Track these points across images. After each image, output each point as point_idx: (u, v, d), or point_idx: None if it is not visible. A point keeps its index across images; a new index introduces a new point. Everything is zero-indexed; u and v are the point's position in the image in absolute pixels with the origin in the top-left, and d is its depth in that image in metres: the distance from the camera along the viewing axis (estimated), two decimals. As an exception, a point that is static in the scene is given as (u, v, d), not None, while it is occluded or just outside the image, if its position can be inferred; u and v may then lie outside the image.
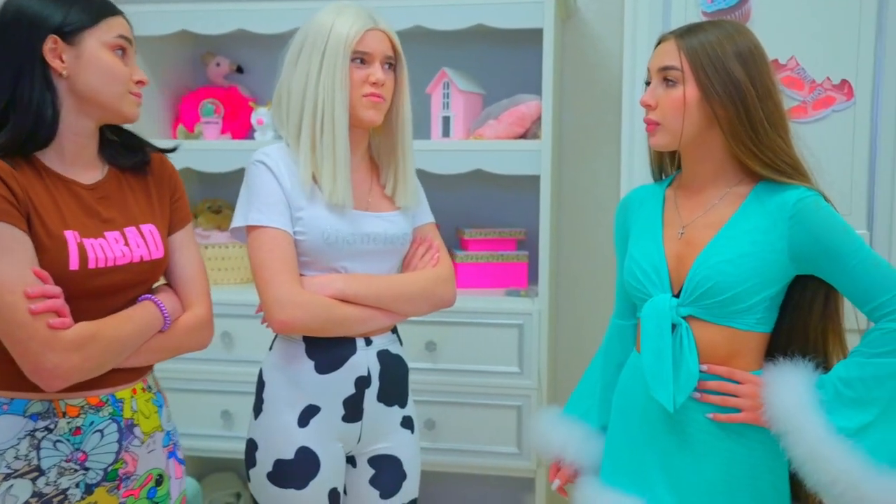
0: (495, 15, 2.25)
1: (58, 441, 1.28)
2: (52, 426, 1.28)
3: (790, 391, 1.34)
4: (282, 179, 1.47)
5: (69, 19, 1.27)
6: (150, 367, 1.44)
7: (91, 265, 1.28)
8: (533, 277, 2.54)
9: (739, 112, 1.35)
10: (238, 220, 1.49)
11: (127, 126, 1.42)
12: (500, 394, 2.27)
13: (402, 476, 1.59)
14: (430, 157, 2.27)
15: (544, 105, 2.25)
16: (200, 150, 2.43)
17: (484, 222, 2.57)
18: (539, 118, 2.30)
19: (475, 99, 2.44)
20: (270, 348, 1.59)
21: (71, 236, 1.27)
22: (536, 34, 2.31)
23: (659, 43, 1.45)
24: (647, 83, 1.45)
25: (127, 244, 1.34)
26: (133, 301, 1.36)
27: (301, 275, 1.48)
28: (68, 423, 1.29)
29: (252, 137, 2.54)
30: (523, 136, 2.34)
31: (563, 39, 2.58)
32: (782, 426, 1.33)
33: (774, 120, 1.37)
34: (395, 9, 2.21)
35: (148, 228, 1.39)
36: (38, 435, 1.28)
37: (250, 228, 1.47)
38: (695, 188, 1.46)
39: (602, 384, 1.62)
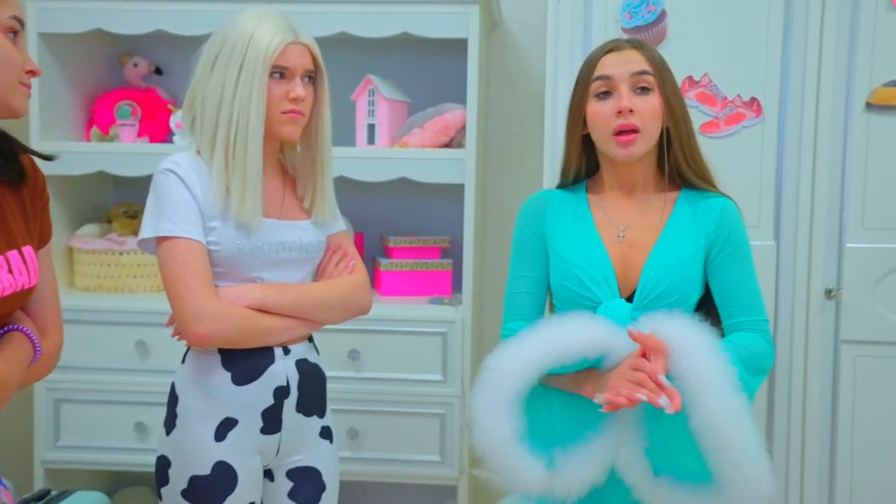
0: (421, 24, 2.26)
1: None
2: None
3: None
4: (193, 189, 1.42)
5: None
6: None
7: None
8: (457, 285, 2.56)
9: (682, 123, 1.46)
10: (147, 231, 1.43)
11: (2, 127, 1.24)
12: (424, 402, 2.27)
13: (322, 488, 1.56)
14: (355, 165, 2.26)
15: (469, 114, 2.27)
16: (116, 154, 2.35)
17: (408, 230, 2.57)
18: (464, 127, 2.32)
19: (400, 107, 2.45)
20: (183, 361, 1.53)
21: None
22: (462, 44, 2.33)
23: (609, 51, 1.46)
24: (604, 93, 1.44)
25: (10, 272, 1.17)
26: None
27: (215, 286, 1.44)
28: None
29: (171, 141, 2.48)
30: (448, 145, 2.36)
31: (488, 50, 2.61)
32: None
33: (693, 132, 1.49)
34: (320, 15, 2.20)
35: (28, 252, 1.22)
36: None
37: (161, 239, 1.41)
38: (624, 192, 1.50)
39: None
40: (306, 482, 1.54)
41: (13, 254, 1.19)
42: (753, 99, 2.01)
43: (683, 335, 1.30)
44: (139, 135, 2.48)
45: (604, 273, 1.45)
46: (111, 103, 2.56)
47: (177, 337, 1.48)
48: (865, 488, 2.03)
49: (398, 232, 2.54)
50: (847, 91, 1.99)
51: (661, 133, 1.46)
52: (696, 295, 1.45)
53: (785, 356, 2.03)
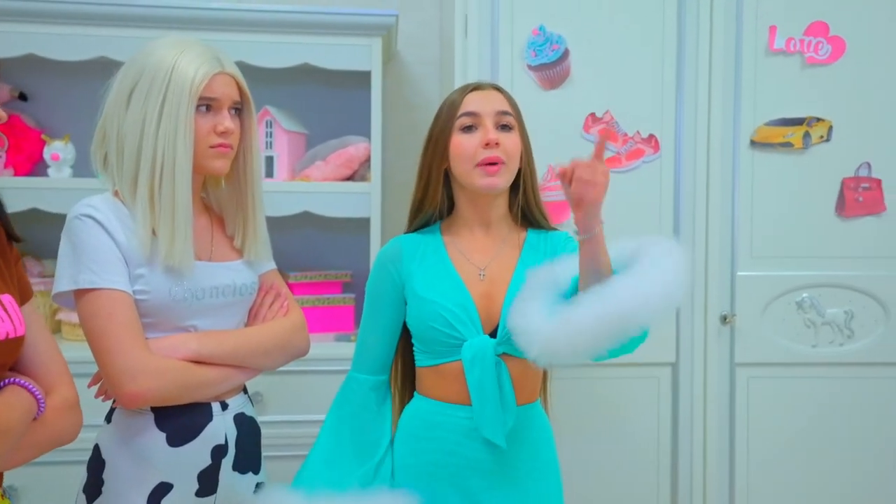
0: (322, 55, 2.22)
1: None
2: None
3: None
4: (115, 234, 1.30)
5: None
6: None
7: None
8: (359, 321, 2.50)
9: (532, 165, 1.57)
10: (64, 284, 1.30)
11: None
12: (332, 443, 2.19)
13: None
14: (256, 199, 2.16)
15: (373, 147, 2.24)
16: (-20, 188, 2.12)
17: (308, 265, 2.49)
18: (367, 160, 2.29)
19: (299, 139, 2.38)
20: (108, 420, 1.39)
21: None
22: (361, 76, 2.30)
23: (473, 90, 1.54)
24: (469, 127, 1.50)
25: None
26: None
27: (146, 339, 1.31)
28: None
29: (43, 173, 2.27)
30: (351, 178, 2.31)
31: (385, 82, 2.59)
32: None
33: (537, 176, 1.61)
34: (218, 43, 2.07)
35: (7, 300, 1.12)
36: None
37: (81, 292, 1.29)
38: (482, 229, 1.56)
39: (360, 446, 1.55)
40: None
41: None
42: (651, 136, 2.10)
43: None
44: (5, 165, 2.26)
45: (467, 311, 1.48)
46: (-30, 131, 2.31)
47: (102, 398, 1.35)
48: (763, 499, 2.16)
49: (298, 267, 2.45)
50: (734, 129, 2.13)
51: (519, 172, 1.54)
52: None
53: (686, 379, 2.13)
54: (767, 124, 2.13)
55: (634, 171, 2.11)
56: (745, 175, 2.13)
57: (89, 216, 1.30)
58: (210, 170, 1.38)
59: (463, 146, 1.50)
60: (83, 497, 1.35)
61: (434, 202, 1.57)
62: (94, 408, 1.41)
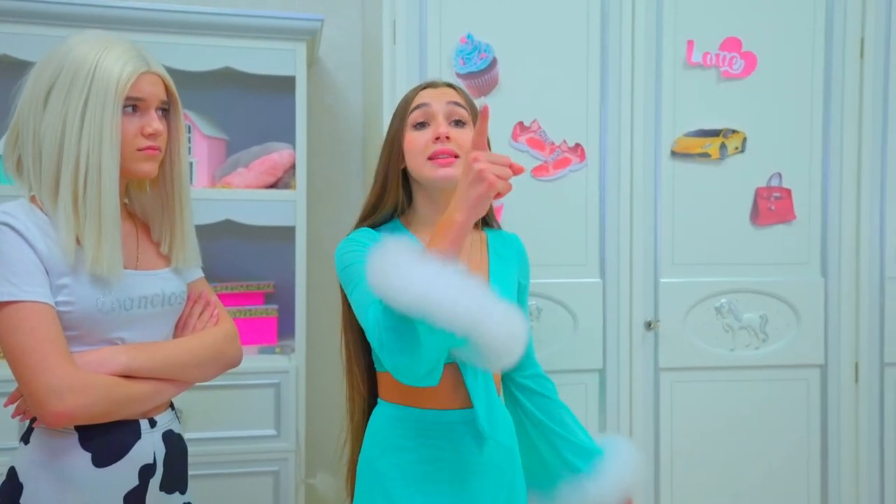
0: (245, 59, 2.15)
1: None
2: None
3: None
4: (35, 243, 1.23)
5: None
6: None
7: None
8: (283, 332, 2.44)
9: None
10: None
11: None
12: (256, 460, 2.12)
13: None
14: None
15: (298, 154, 2.19)
16: None
17: (229, 275, 2.41)
18: (291, 167, 2.23)
19: (219, 144, 2.30)
20: (26, 441, 1.30)
21: None
22: (283, 81, 2.25)
23: (426, 87, 1.54)
24: (421, 123, 1.48)
25: None
26: None
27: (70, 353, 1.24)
28: None
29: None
30: (274, 186, 2.25)
31: (308, 87, 2.54)
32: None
33: None
34: (137, 44, 1.99)
35: None
36: None
37: (0, 305, 1.21)
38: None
39: None
40: None
41: None
42: (578, 145, 2.14)
43: None
44: None
45: None
46: None
47: (20, 417, 1.26)
48: (686, 496, 2.21)
49: (219, 277, 2.36)
50: (655, 140, 2.18)
51: None
52: None
53: (613, 384, 2.16)
54: (686, 135, 2.20)
55: (561, 180, 2.13)
56: (666, 184, 2.19)
57: (7, 224, 1.22)
58: (138, 173, 1.33)
59: (414, 141, 1.48)
60: None
61: (393, 202, 1.53)
62: (7, 429, 1.32)
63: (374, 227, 1.54)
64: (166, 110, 1.38)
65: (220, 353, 1.42)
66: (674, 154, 2.19)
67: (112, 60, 1.27)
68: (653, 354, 2.19)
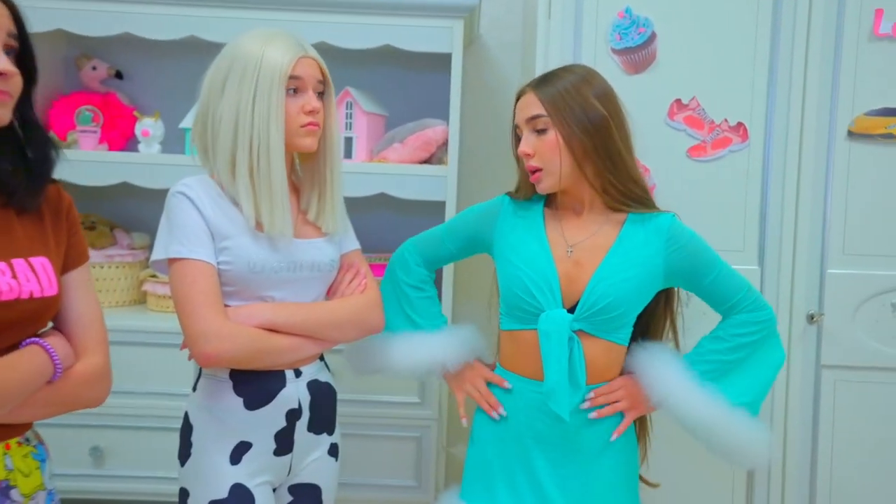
0: (404, 37, 2.21)
1: None
2: None
3: (667, 366, 1.57)
4: (204, 211, 1.43)
5: None
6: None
7: None
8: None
9: (598, 146, 1.51)
10: (158, 253, 1.44)
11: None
12: (401, 425, 2.21)
13: None
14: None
15: (451, 130, 2.22)
16: (76, 162, 2.20)
17: (382, 246, 2.50)
18: (444, 143, 2.27)
19: (378, 121, 2.38)
20: (194, 388, 1.51)
21: None
22: (441, 58, 2.29)
23: (519, 98, 1.59)
24: (518, 137, 1.58)
25: (15, 277, 1.13)
26: (16, 346, 1.15)
27: (226, 305, 1.42)
28: None
29: (134, 149, 2.35)
30: (428, 161, 2.30)
31: (465, 65, 2.57)
32: (664, 395, 1.55)
33: (629, 144, 1.57)
34: (300, 24, 2.12)
35: (39, 262, 1.18)
36: None
37: (171, 261, 1.42)
38: (576, 212, 1.59)
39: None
40: (305, 498, 1.54)
41: (19, 261, 1.15)
42: (740, 124, 2.02)
43: (650, 363, 1.58)
44: (99, 142, 2.35)
45: (549, 283, 1.52)
46: (68, 108, 2.42)
47: (192, 360, 1.45)
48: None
49: (372, 248, 2.46)
50: (830, 119, 2.01)
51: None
52: (636, 310, 1.56)
53: (767, 380, 2.03)
54: (867, 114, 2.01)
55: (720, 161, 2.02)
56: (840, 167, 2.02)
57: (183, 194, 1.43)
58: (300, 147, 1.48)
59: (519, 154, 1.58)
60: (178, 461, 1.48)
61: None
62: (184, 379, 1.52)
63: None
64: (321, 93, 1.51)
65: (360, 318, 1.54)
66: (851, 134, 2.01)
67: (274, 50, 1.43)
68: (814, 350, 2.04)
